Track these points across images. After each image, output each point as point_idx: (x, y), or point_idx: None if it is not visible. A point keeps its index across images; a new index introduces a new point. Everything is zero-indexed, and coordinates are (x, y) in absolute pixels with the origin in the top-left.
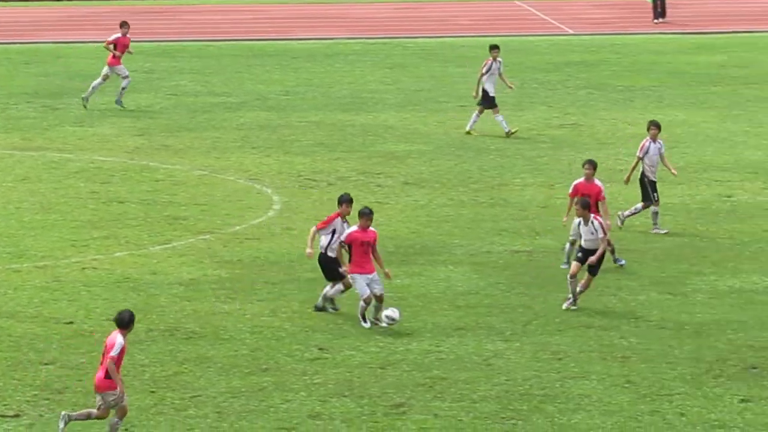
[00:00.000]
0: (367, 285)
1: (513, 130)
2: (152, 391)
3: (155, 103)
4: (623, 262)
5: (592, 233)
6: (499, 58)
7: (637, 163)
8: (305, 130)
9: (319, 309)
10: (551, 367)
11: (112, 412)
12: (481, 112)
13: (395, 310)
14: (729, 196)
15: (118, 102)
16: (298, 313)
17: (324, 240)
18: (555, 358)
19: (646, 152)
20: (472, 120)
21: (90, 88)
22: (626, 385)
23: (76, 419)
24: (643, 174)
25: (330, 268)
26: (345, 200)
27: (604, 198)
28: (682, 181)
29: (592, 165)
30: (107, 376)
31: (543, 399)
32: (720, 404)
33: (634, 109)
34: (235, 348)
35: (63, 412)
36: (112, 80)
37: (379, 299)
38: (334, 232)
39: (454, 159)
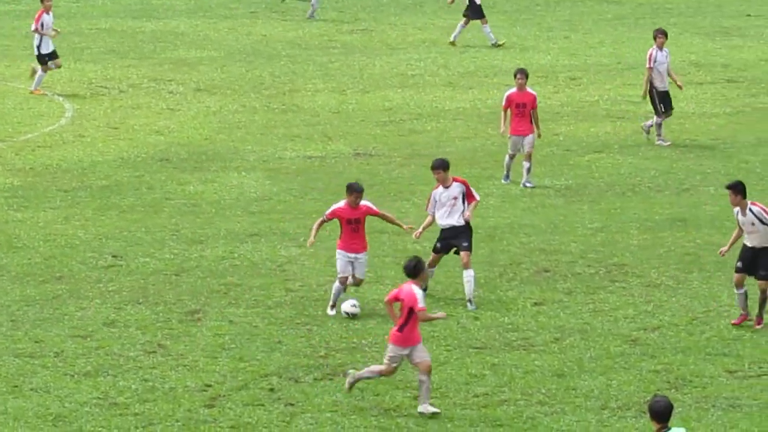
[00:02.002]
0: (350, 264)
1: (500, 42)
2: None
3: None
4: None
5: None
6: None
7: (649, 75)
8: (96, 38)
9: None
10: None
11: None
12: (467, 23)
13: (355, 303)
14: None
15: (312, 16)
16: (91, 221)
17: None
18: None
19: (655, 61)
20: (456, 30)
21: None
22: None
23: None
24: (651, 84)
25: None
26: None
27: (536, 107)
28: (473, 86)
29: (524, 74)
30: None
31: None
32: (513, 307)
33: (424, 15)
34: (29, 256)
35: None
36: None
37: (357, 283)
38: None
39: (246, 65)
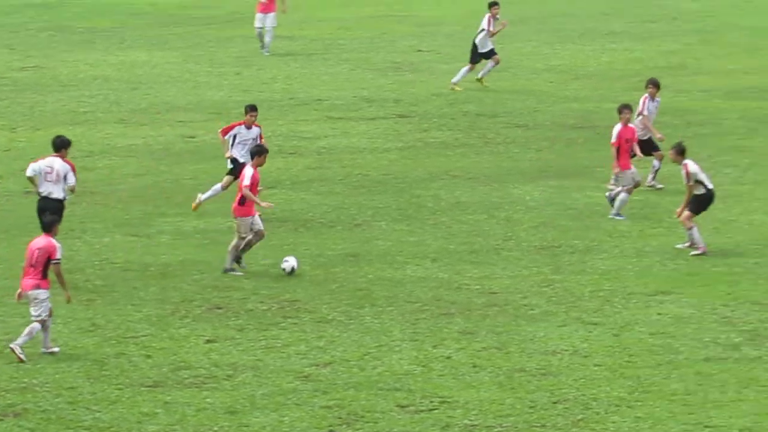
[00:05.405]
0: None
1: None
2: None
3: None
4: None
5: None
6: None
7: (645, 121)
8: None
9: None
10: None
11: None
12: (471, 68)
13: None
14: (192, 137)
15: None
16: None
17: None
18: None
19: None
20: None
21: None
22: (91, 329)
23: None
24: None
25: None
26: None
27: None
28: (145, 122)
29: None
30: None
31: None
32: (186, 345)
33: (96, 51)
34: None
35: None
36: None
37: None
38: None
39: None
